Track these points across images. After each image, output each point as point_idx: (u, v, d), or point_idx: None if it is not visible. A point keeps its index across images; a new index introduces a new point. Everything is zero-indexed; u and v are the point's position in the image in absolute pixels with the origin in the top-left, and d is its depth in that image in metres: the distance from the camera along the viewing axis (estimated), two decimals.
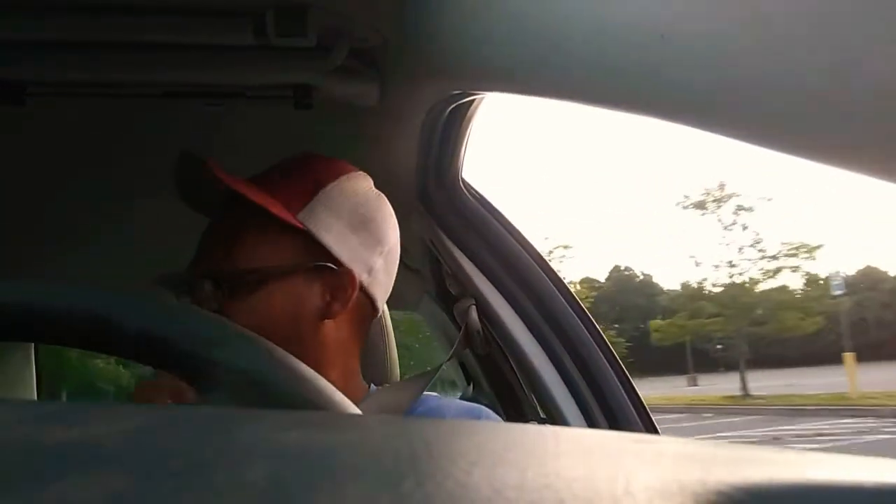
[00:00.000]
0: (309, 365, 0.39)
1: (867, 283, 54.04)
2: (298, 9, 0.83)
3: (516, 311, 1.13)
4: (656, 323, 25.43)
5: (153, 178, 0.75)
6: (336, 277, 0.74)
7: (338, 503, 0.14)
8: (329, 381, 0.39)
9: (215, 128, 1.10)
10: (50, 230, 1.38)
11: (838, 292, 22.72)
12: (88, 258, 1.50)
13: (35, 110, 0.93)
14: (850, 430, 11.43)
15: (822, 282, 24.32)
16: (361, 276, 0.75)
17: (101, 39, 0.86)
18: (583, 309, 1.13)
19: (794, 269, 22.16)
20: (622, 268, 58.75)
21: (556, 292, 1.13)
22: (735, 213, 22.57)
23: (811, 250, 21.86)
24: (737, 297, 21.96)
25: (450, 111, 0.99)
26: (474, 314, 1.15)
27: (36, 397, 1.81)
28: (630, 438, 0.21)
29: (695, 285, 24.82)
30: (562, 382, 1.10)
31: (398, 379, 1.14)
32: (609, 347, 1.12)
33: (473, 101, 0.98)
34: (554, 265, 1.17)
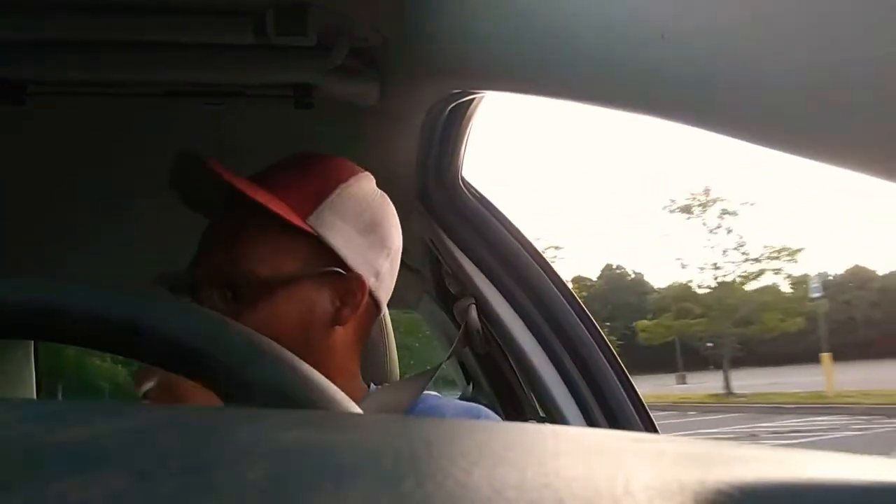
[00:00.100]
0: (318, 370, 0.39)
1: (856, 282, 54.41)
2: (298, 8, 0.83)
3: (516, 311, 1.13)
4: (643, 323, 26.06)
5: (153, 177, 0.75)
6: (345, 282, 0.74)
7: (338, 503, 0.14)
8: (334, 384, 0.39)
9: (215, 127, 1.10)
10: (50, 229, 1.38)
11: (816, 295, 23.62)
12: (88, 257, 1.50)
13: (35, 110, 0.93)
14: (822, 427, 11.90)
15: (804, 284, 25.09)
16: (369, 279, 0.75)
17: (101, 39, 0.86)
18: (582, 308, 1.14)
19: (777, 271, 23.24)
20: (614, 266, 59.04)
21: (556, 291, 1.13)
22: (720, 217, 23.67)
23: (792, 253, 23.07)
24: (721, 299, 22.90)
25: (450, 110, 0.99)
26: (474, 313, 1.15)
27: (36, 397, 1.81)
28: (630, 437, 0.21)
29: (680, 286, 25.76)
30: (561, 381, 1.10)
31: (398, 378, 1.14)
32: (608, 346, 1.12)
33: (473, 100, 0.98)
34: None
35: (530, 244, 1.16)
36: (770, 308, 23.23)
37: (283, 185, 0.74)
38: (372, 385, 0.82)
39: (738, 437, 10.97)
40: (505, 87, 0.78)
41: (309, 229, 0.72)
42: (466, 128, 1.05)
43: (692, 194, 24.30)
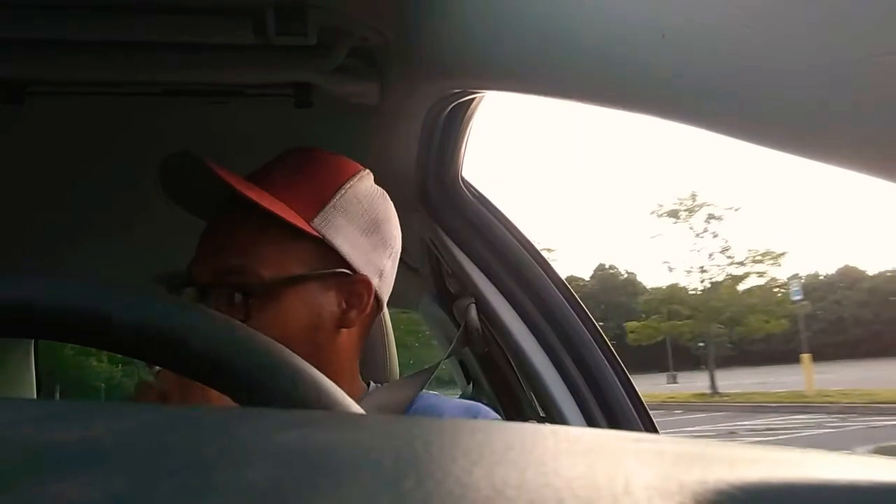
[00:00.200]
0: (322, 371, 0.39)
1: (846, 282, 54.73)
2: (299, 7, 0.83)
3: (516, 310, 1.13)
4: (632, 325, 26.81)
5: (153, 177, 0.74)
6: (351, 284, 0.73)
7: (338, 503, 0.14)
8: (337, 385, 0.39)
9: (215, 126, 1.10)
10: (49, 229, 1.38)
11: (797, 298, 24.51)
12: (88, 257, 1.50)
13: (34, 110, 0.93)
14: (798, 425, 12.42)
15: (787, 287, 26.41)
16: (373, 280, 0.75)
17: (101, 39, 0.86)
18: (582, 308, 1.14)
19: (761, 274, 24.31)
20: (606, 266, 59.17)
21: (556, 291, 1.13)
22: (706, 221, 24.63)
23: (776, 257, 24.12)
24: (707, 301, 23.85)
25: (450, 110, 0.99)
26: (474, 313, 1.15)
27: (36, 396, 1.81)
28: (630, 437, 0.21)
29: (668, 289, 26.66)
30: (561, 381, 1.10)
31: (398, 378, 1.14)
32: (608, 346, 1.12)
33: (473, 99, 0.98)
34: None
35: (530, 244, 1.16)
36: (754, 310, 24.10)
37: (285, 185, 0.73)
38: (371, 384, 0.82)
39: (718, 435, 11.47)
40: (505, 86, 0.78)
41: (315, 233, 0.71)
42: (466, 128, 1.05)
43: (679, 199, 25.23)
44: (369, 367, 0.93)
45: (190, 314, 0.38)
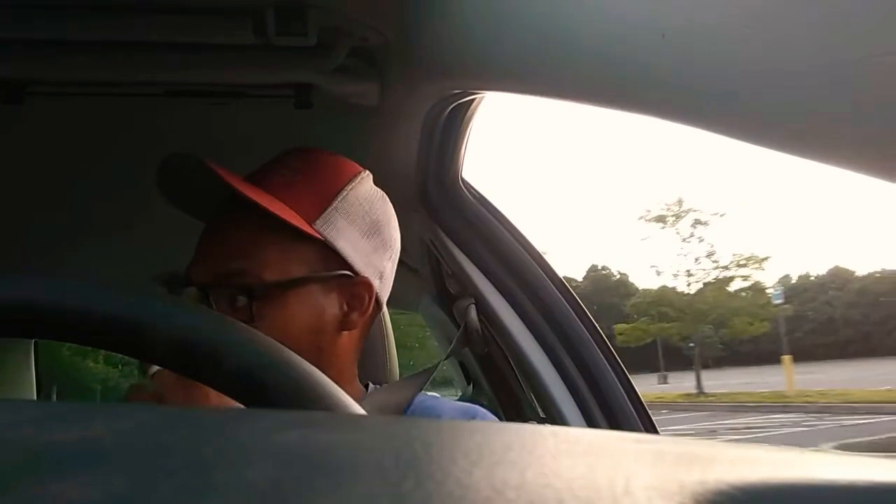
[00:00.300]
0: (323, 373, 0.39)
1: (837, 282, 55.06)
2: (299, 8, 0.83)
3: (516, 311, 1.13)
4: (621, 327, 27.28)
5: (153, 176, 0.74)
6: (352, 286, 0.73)
7: (338, 503, 0.14)
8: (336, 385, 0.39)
9: (215, 127, 1.10)
10: (49, 229, 1.38)
11: (778, 301, 25.55)
12: (88, 257, 1.50)
13: (34, 109, 0.93)
14: (775, 424, 12.92)
15: (768, 290, 27.54)
16: (374, 282, 0.75)
17: (101, 39, 0.86)
18: (582, 308, 1.14)
19: (745, 278, 25.14)
20: (599, 267, 59.37)
21: (556, 292, 1.13)
22: (692, 226, 25.53)
23: (760, 261, 24.90)
24: (693, 304, 24.71)
25: (450, 110, 0.99)
26: (473, 313, 1.15)
27: (36, 397, 1.81)
28: (630, 438, 0.21)
29: (655, 292, 27.45)
30: (561, 382, 1.10)
31: (398, 379, 1.14)
32: (608, 347, 1.12)
33: (473, 100, 0.98)
34: None
35: (530, 244, 1.16)
36: (738, 313, 24.87)
37: (285, 186, 0.73)
38: (370, 385, 0.82)
39: (700, 433, 12.05)
40: (505, 87, 0.78)
41: (317, 235, 0.71)
42: (467, 128, 1.05)
43: (666, 205, 26.07)
44: (369, 368, 0.93)
45: (188, 312, 0.38)
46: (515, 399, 1.33)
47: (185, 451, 0.17)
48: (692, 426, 13.39)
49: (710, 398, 19.74)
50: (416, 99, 0.97)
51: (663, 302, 25.75)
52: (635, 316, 27.62)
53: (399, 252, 0.81)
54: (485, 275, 1.14)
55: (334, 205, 0.73)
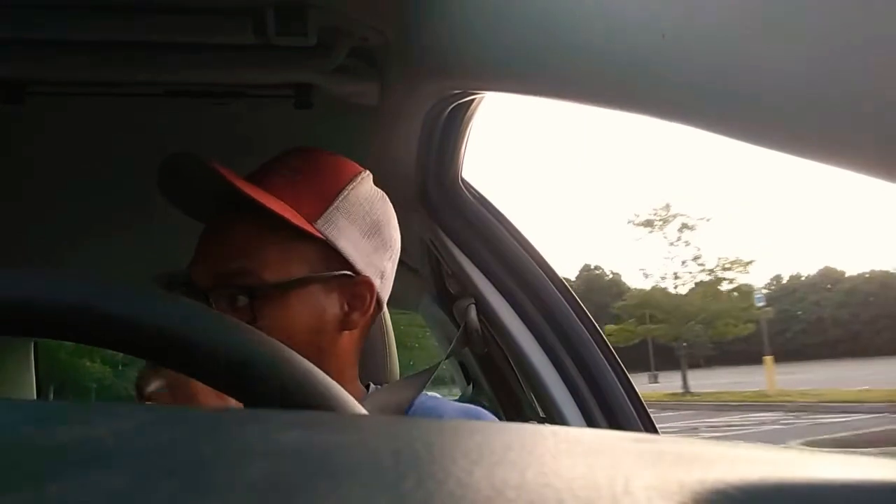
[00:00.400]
0: (324, 373, 0.39)
1: (827, 282, 55.32)
2: (299, 8, 0.83)
3: (516, 311, 1.13)
4: (610, 328, 27.91)
5: (152, 177, 0.74)
6: (353, 286, 0.73)
7: (338, 503, 0.14)
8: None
9: (215, 126, 1.10)
10: (49, 229, 1.38)
11: (761, 304, 26.49)
12: (88, 257, 1.50)
13: (34, 109, 0.93)
14: (754, 422, 13.49)
15: (751, 293, 28.53)
16: (375, 281, 0.74)
17: (101, 39, 0.86)
18: (582, 308, 1.14)
19: (730, 281, 26.25)
20: (592, 267, 59.48)
21: (556, 291, 1.13)
22: (679, 230, 26.72)
23: (745, 265, 26.11)
24: (680, 306, 25.68)
25: (450, 110, 0.99)
26: (473, 313, 1.15)
27: (36, 397, 1.81)
28: (630, 437, 0.21)
29: (643, 294, 28.56)
30: (561, 382, 1.10)
31: (398, 378, 1.14)
32: (608, 346, 1.12)
33: (473, 100, 0.98)
34: None
35: (530, 244, 1.16)
36: (722, 315, 25.75)
37: (286, 186, 0.72)
38: (371, 386, 0.82)
39: (682, 431, 12.56)
40: (505, 87, 0.78)
41: (319, 235, 0.71)
42: (466, 128, 1.05)
43: (654, 209, 27.24)
44: (369, 368, 0.93)
45: (197, 313, 0.38)
46: (515, 399, 1.33)
47: (185, 450, 0.17)
48: (675, 424, 13.79)
49: (695, 397, 20.43)
50: (416, 99, 0.97)
51: (650, 304, 26.65)
52: (623, 317, 28.33)
53: (399, 252, 0.81)
54: (485, 275, 1.14)
55: (335, 204, 0.73)
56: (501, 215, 1.17)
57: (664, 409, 18.27)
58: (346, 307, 0.73)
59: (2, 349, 1.75)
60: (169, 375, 0.63)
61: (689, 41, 0.43)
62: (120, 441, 0.18)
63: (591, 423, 1.07)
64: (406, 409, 0.78)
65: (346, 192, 0.74)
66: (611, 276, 57.56)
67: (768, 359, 20.30)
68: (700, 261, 26.45)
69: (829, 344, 51.30)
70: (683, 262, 26.67)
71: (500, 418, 1.16)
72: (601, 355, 1.11)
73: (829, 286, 55.43)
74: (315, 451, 0.17)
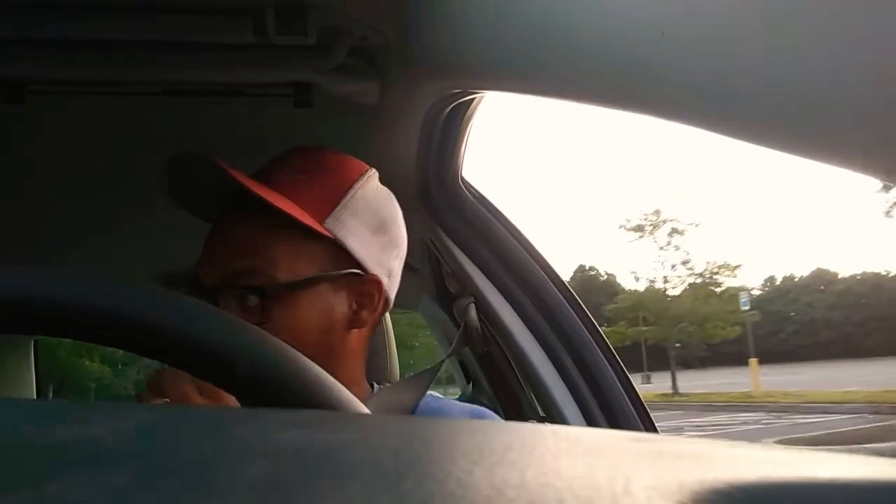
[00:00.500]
0: (331, 374, 0.38)
1: (819, 284, 55.58)
2: (298, 7, 0.83)
3: (516, 310, 1.13)
4: (602, 330, 27.86)
5: (152, 176, 0.74)
6: (362, 284, 0.73)
7: (338, 502, 0.14)
8: (343, 385, 0.39)
9: (215, 126, 1.10)
10: (49, 229, 1.38)
11: (746, 308, 27.14)
12: (88, 256, 1.50)
13: (35, 109, 0.93)
14: (737, 422, 13.83)
15: (737, 297, 29.33)
16: (383, 280, 0.74)
17: (101, 38, 0.86)
18: (582, 308, 1.14)
19: (718, 284, 27.02)
20: (587, 267, 59.60)
21: (556, 291, 1.13)
22: (669, 235, 27.38)
23: (732, 269, 26.95)
24: (669, 309, 26.31)
25: (450, 110, 0.99)
26: (473, 313, 1.15)
27: (36, 396, 1.81)
28: (629, 437, 0.21)
29: (632, 297, 29.34)
30: (561, 381, 1.10)
31: (398, 378, 1.14)
32: (608, 346, 1.12)
33: (473, 99, 0.98)
34: None
35: (530, 244, 1.16)
36: (710, 318, 26.40)
37: (293, 185, 0.72)
38: (374, 385, 0.81)
39: (666, 431, 12.69)
40: (505, 86, 0.78)
41: (328, 233, 0.71)
42: (467, 127, 1.05)
43: (644, 214, 27.93)
44: (370, 368, 0.93)
45: (198, 310, 0.38)
46: (515, 398, 1.33)
47: (186, 450, 0.17)
48: (661, 424, 14.27)
49: (683, 398, 20.95)
50: (416, 98, 0.97)
51: (641, 307, 27.32)
52: (615, 319, 28.81)
53: (406, 250, 0.81)
54: (485, 274, 1.14)
55: (343, 203, 0.73)
56: (501, 215, 1.17)
57: (653, 409, 18.72)
58: (354, 306, 0.73)
59: (2, 348, 1.75)
60: (170, 395, 0.62)
61: (689, 40, 0.43)
62: (120, 440, 0.18)
63: (591, 422, 1.07)
64: (412, 411, 0.77)
65: (353, 191, 0.74)
66: (605, 277, 57.66)
67: (753, 361, 20.93)
68: (689, 265, 27.27)
69: (821, 345, 51.64)
70: (673, 267, 27.50)
71: (500, 417, 1.16)
72: (601, 354, 1.11)
73: (822, 287, 55.89)
74: (315, 450, 0.17)
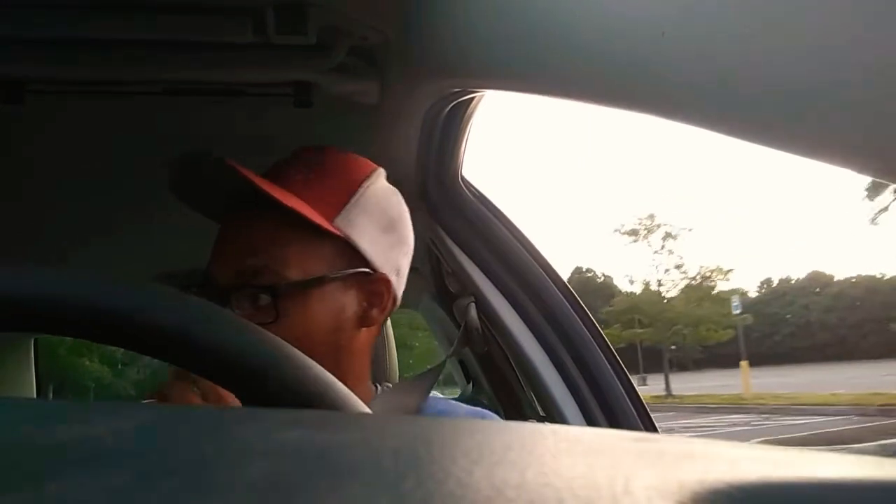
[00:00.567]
0: (340, 373, 0.38)
1: (815, 286, 55.68)
2: (298, 7, 0.83)
3: (516, 310, 1.13)
4: None
5: (153, 175, 0.74)
6: (371, 283, 0.73)
7: (338, 502, 0.14)
8: (349, 385, 0.39)
9: (215, 125, 1.10)
10: (50, 229, 1.38)
11: (737, 311, 27.25)
12: (89, 256, 1.50)
13: (35, 109, 0.93)
14: (726, 423, 13.99)
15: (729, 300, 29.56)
16: (392, 278, 0.74)
17: (101, 37, 0.86)
18: (582, 307, 1.14)
19: (711, 288, 27.61)
20: (584, 269, 59.62)
21: (556, 291, 1.13)
22: (663, 239, 28.17)
23: (725, 273, 27.82)
24: (663, 312, 26.79)
25: (450, 109, 0.99)
26: (474, 312, 1.15)
27: (36, 396, 1.81)
28: (629, 437, 0.21)
29: (627, 300, 29.77)
30: (561, 381, 1.10)
31: (398, 378, 1.14)
32: (608, 346, 1.12)
33: (473, 98, 0.98)
34: None
35: (530, 243, 1.16)
36: (702, 321, 26.86)
37: (303, 184, 0.72)
38: (378, 386, 0.81)
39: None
40: (505, 85, 0.78)
41: (338, 232, 0.71)
42: (466, 126, 1.05)
43: (639, 219, 28.74)
44: (371, 368, 0.93)
45: (202, 309, 0.38)
46: (515, 398, 1.33)
47: (186, 449, 0.17)
48: None
49: (675, 400, 21.15)
50: (416, 97, 0.97)
51: (636, 309, 27.74)
52: (610, 322, 29.11)
53: (413, 248, 0.81)
54: (485, 273, 1.14)
55: (353, 202, 0.73)
56: (502, 214, 1.17)
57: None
58: (364, 304, 0.73)
59: (2, 347, 1.75)
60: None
61: (689, 40, 0.43)
62: (120, 440, 0.18)
63: (591, 422, 1.07)
64: (417, 412, 0.77)
65: (362, 190, 0.74)
66: (602, 278, 57.67)
67: (744, 363, 21.09)
68: (682, 269, 27.79)
69: (817, 347, 51.78)
70: (667, 270, 28.01)
71: (499, 417, 1.16)
72: (601, 354, 1.11)
73: (817, 290, 56.05)
74: (315, 450, 0.17)
